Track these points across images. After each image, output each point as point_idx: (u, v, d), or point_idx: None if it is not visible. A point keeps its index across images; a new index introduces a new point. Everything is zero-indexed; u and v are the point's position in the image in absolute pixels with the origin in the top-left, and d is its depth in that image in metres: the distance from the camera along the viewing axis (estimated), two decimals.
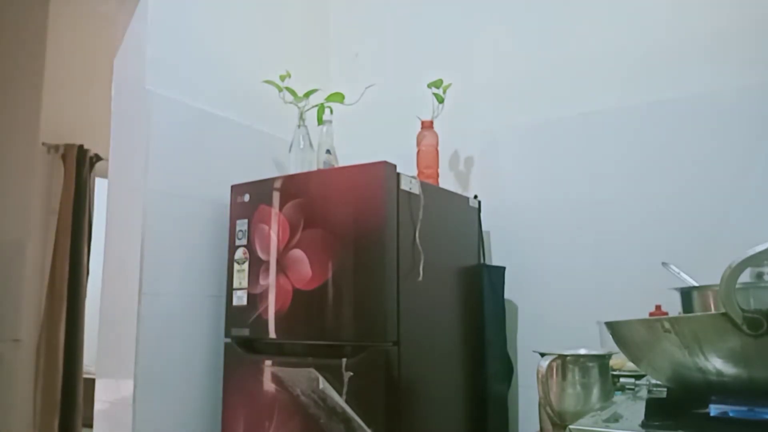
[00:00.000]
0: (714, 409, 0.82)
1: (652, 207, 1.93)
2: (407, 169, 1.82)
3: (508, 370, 2.07)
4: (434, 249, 1.78)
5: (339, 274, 1.66)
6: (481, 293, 2.03)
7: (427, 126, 2.12)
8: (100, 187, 3.22)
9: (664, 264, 1.32)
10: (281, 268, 1.77)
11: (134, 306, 1.76)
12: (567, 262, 2.03)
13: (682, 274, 1.26)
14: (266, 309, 1.78)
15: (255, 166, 2.14)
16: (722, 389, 0.83)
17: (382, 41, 2.53)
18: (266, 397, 1.72)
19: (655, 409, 0.87)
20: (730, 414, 0.81)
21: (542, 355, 1.16)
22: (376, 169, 1.66)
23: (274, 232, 1.80)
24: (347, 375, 1.55)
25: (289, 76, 2.13)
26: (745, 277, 0.81)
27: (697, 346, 0.81)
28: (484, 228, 2.12)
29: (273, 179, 1.86)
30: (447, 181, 2.20)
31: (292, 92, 2.11)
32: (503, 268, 2.10)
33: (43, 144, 3.32)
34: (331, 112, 2.14)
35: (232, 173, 2.04)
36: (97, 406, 1.86)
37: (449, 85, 2.13)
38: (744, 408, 0.81)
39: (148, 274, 1.80)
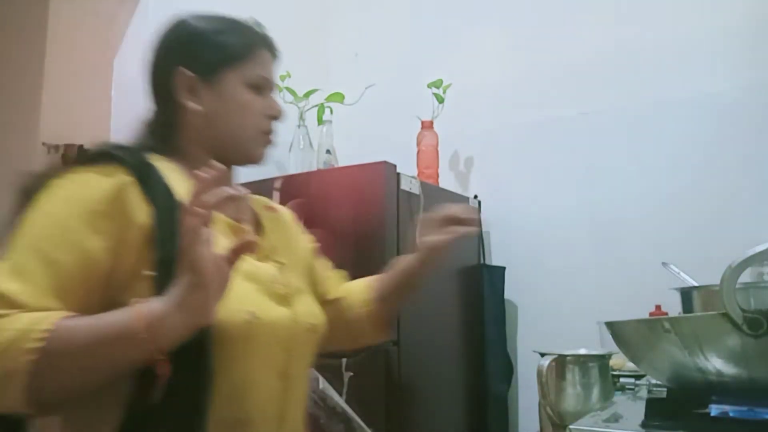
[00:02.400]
0: (714, 409, 0.82)
1: (652, 207, 1.93)
2: (407, 169, 1.82)
3: (508, 370, 2.07)
4: None
5: None
6: (481, 293, 2.03)
7: (427, 126, 2.12)
8: None
9: (664, 264, 1.31)
10: None
11: None
12: (567, 262, 2.03)
13: (682, 274, 1.26)
14: None
15: (255, 166, 2.13)
16: (722, 389, 0.83)
17: (382, 41, 2.53)
18: None
19: (655, 409, 0.87)
20: (730, 414, 0.81)
21: (542, 355, 1.15)
22: (376, 169, 1.66)
23: None
24: (347, 375, 1.55)
25: (289, 76, 2.12)
26: (745, 277, 0.80)
27: (697, 346, 0.81)
28: (484, 228, 2.12)
29: (273, 179, 1.86)
30: (447, 181, 2.20)
31: (292, 92, 2.11)
32: (503, 268, 2.10)
33: (43, 144, 3.31)
34: (331, 112, 2.14)
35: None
36: None
37: (449, 85, 2.14)
38: (744, 408, 0.81)
39: None
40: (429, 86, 2.12)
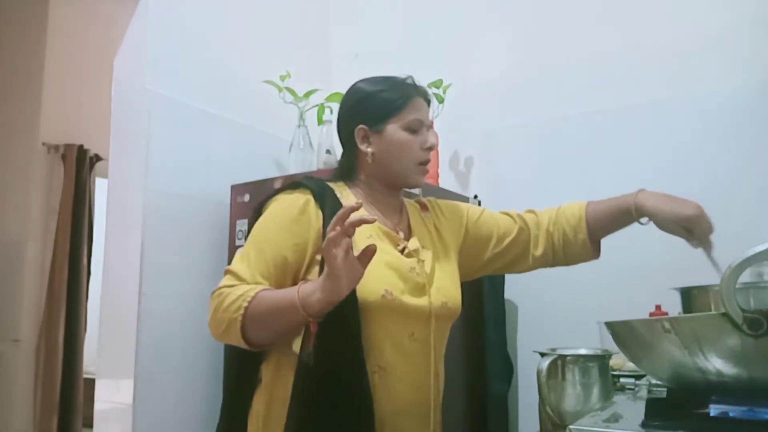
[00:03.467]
0: (714, 409, 0.82)
1: None
2: None
3: (508, 370, 2.07)
4: None
5: None
6: (481, 293, 2.03)
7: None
8: (100, 187, 3.21)
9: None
10: None
11: (134, 306, 1.76)
12: None
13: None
14: None
15: (255, 166, 2.14)
16: (722, 389, 0.83)
17: (382, 41, 2.53)
18: None
19: (655, 409, 0.87)
20: (730, 414, 0.81)
21: (542, 355, 1.15)
22: None
23: None
24: None
25: (289, 76, 2.13)
26: (745, 277, 0.80)
27: (697, 346, 0.81)
28: None
29: (273, 179, 1.86)
30: (447, 181, 2.20)
31: (292, 92, 2.11)
32: None
33: (43, 144, 3.32)
34: (331, 112, 2.14)
35: (232, 173, 2.04)
36: (97, 406, 1.86)
37: (449, 85, 2.13)
38: (744, 408, 0.81)
39: (148, 274, 1.79)
40: (429, 86, 2.11)
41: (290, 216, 1.11)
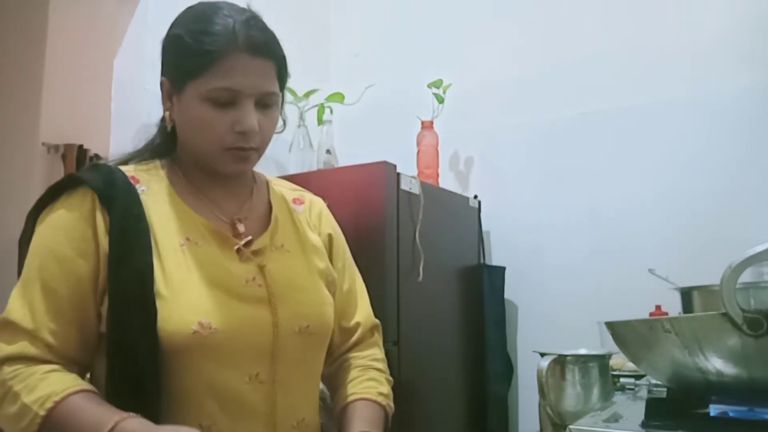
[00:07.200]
0: (714, 409, 0.82)
1: (652, 206, 1.93)
2: (407, 169, 1.82)
3: (508, 370, 2.07)
4: (434, 249, 1.78)
5: None
6: (481, 293, 2.03)
7: (427, 126, 2.12)
8: None
9: (650, 270, 1.31)
10: None
11: None
12: (567, 263, 2.03)
13: (669, 278, 1.26)
14: None
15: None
16: (722, 389, 0.83)
17: (382, 41, 2.53)
18: None
19: (655, 409, 0.87)
20: (730, 414, 0.81)
21: (542, 355, 1.15)
22: (376, 169, 1.66)
23: None
24: None
25: (289, 76, 2.12)
26: (746, 277, 0.80)
27: (697, 346, 0.81)
28: (484, 228, 2.12)
29: None
30: (447, 181, 2.20)
31: (292, 92, 2.11)
32: (503, 268, 2.10)
33: (43, 144, 3.30)
34: (331, 112, 2.14)
35: None
36: None
37: (449, 85, 2.13)
38: (744, 408, 0.81)
39: None
40: (429, 86, 2.12)
41: (75, 233, 0.80)
